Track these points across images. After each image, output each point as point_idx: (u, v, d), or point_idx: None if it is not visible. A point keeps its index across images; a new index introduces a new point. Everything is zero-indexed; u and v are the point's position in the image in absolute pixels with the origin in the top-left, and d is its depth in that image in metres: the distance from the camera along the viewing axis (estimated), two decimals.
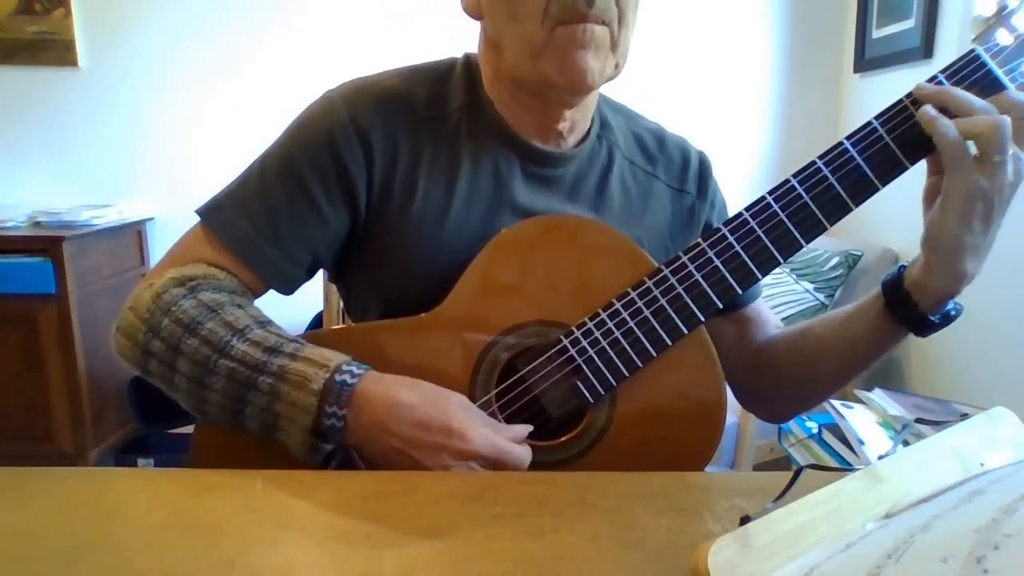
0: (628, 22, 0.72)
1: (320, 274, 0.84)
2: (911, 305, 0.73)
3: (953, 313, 0.74)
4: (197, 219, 0.78)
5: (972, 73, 0.71)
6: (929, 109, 0.69)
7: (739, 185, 2.45)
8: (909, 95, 0.71)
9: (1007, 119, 0.66)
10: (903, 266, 0.75)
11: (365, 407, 0.64)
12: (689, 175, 0.88)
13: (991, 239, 0.70)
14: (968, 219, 0.67)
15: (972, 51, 0.71)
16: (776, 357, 0.86)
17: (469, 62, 0.82)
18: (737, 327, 0.88)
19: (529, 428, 0.69)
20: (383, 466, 0.66)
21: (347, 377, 0.64)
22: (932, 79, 0.71)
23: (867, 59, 2.37)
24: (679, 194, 0.87)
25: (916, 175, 0.73)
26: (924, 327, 0.73)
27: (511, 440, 0.66)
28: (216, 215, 0.76)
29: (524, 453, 0.66)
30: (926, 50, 2.03)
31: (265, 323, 0.71)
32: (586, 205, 0.81)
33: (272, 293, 0.79)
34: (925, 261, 0.71)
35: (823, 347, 0.81)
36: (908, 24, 2.12)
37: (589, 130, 0.83)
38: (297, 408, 0.64)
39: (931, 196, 0.71)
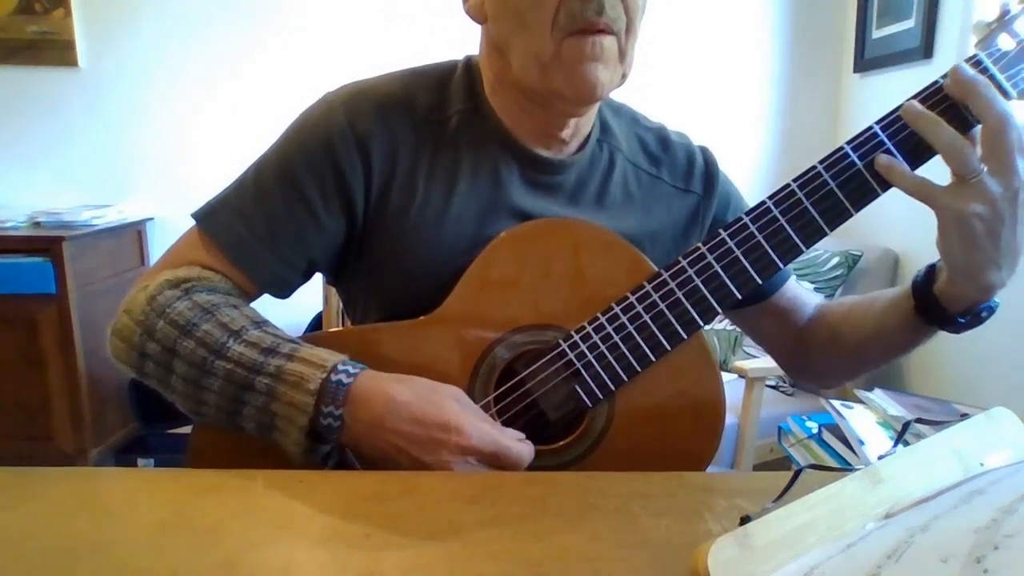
0: (635, 31, 0.72)
1: (320, 275, 0.84)
2: (940, 309, 0.73)
3: (984, 314, 0.73)
4: (194, 221, 0.78)
5: None
6: (882, 158, 0.68)
7: (739, 184, 2.45)
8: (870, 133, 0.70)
9: (967, 143, 0.65)
10: (932, 266, 0.74)
11: (362, 406, 0.64)
12: (695, 175, 0.88)
13: (1014, 246, 0.67)
14: (970, 241, 0.66)
15: (974, 56, 0.71)
16: (818, 344, 0.88)
17: (470, 65, 0.81)
18: (772, 318, 0.90)
19: (521, 436, 0.68)
20: (381, 464, 0.66)
21: (343, 376, 0.64)
22: (932, 85, 0.70)
23: (867, 59, 2.37)
24: (684, 194, 0.87)
25: (923, 170, 0.71)
26: (956, 327, 0.74)
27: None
28: (212, 219, 0.76)
29: (525, 449, 0.66)
30: (926, 50, 2.03)
31: (261, 324, 0.70)
32: (587, 210, 0.81)
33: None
34: (948, 276, 0.71)
35: (860, 339, 0.83)
36: (908, 24, 2.12)
37: (589, 134, 0.82)
38: (294, 408, 0.64)
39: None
